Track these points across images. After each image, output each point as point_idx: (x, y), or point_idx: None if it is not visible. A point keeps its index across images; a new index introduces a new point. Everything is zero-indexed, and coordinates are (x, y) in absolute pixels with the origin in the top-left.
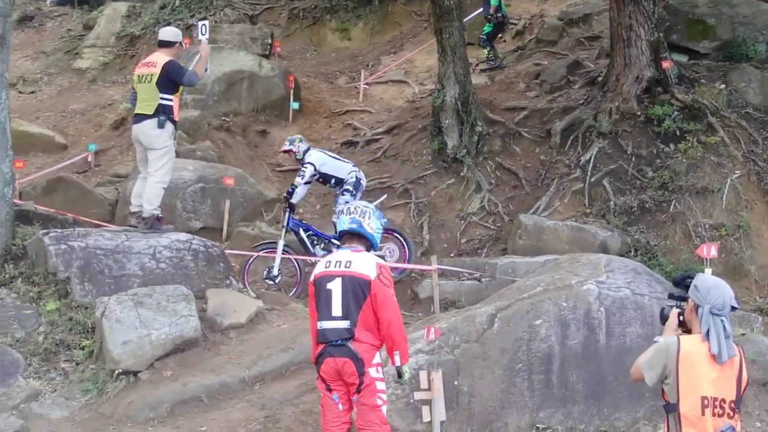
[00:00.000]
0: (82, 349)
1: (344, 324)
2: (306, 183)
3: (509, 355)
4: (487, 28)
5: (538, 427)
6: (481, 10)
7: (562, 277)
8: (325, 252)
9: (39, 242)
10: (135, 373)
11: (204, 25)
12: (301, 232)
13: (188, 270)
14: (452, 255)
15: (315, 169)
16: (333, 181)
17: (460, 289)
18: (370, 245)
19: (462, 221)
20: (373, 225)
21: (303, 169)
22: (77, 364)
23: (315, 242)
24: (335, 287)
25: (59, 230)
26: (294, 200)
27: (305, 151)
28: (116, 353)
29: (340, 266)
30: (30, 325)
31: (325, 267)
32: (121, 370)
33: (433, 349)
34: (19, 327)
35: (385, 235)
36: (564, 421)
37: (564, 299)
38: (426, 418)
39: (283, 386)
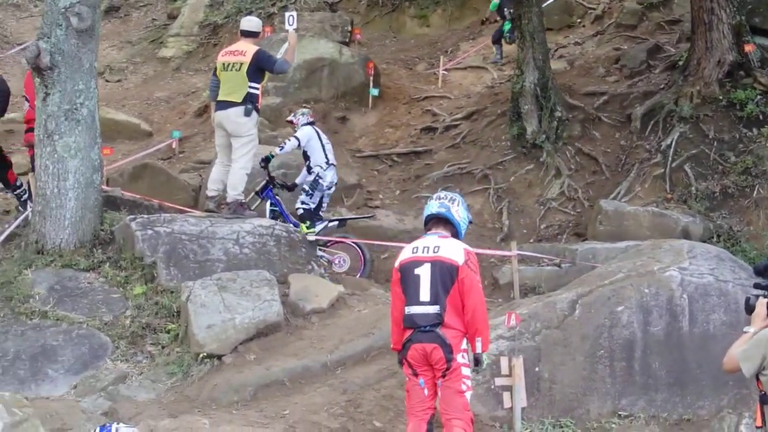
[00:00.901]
0: (168, 332)
1: (433, 309)
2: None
3: (590, 341)
4: (507, 26)
5: (620, 415)
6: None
7: (644, 264)
8: None
9: (126, 228)
10: (219, 357)
11: (291, 15)
12: (268, 204)
13: (271, 255)
14: (532, 241)
15: (299, 146)
16: (307, 163)
17: (540, 274)
18: (455, 232)
19: (541, 207)
20: (461, 213)
21: (287, 140)
22: (163, 347)
23: (275, 218)
24: (424, 272)
25: (145, 216)
26: (298, 180)
27: (303, 125)
28: (201, 337)
29: (428, 252)
30: (117, 308)
31: (413, 252)
32: (205, 354)
33: (514, 335)
34: (107, 311)
35: (341, 243)
36: (646, 408)
37: (646, 285)
38: (507, 404)
39: (364, 371)
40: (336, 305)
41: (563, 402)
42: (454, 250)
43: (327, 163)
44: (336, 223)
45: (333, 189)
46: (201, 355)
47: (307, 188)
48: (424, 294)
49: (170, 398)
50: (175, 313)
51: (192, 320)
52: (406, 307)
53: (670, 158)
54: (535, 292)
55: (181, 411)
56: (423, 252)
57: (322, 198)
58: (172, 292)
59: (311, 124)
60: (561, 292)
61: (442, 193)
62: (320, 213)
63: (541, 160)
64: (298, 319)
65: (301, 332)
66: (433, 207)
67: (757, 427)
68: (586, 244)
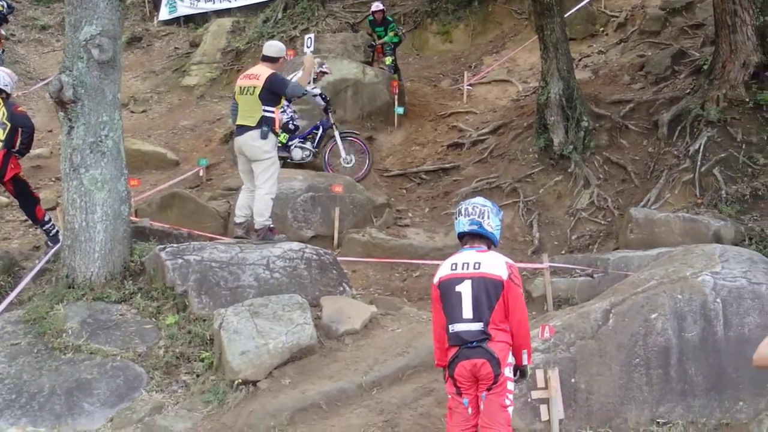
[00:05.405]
0: (202, 360)
1: (477, 326)
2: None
3: (626, 350)
4: (395, 39)
5: (658, 422)
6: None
7: (677, 270)
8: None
9: (156, 258)
10: (254, 383)
11: (309, 37)
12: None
13: (302, 278)
14: (563, 252)
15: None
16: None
17: (573, 285)
18: (491, 243)
19: (572, 218)
20: (492, 224)
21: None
22: (198, 375)
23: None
24: (465, 289)
25: (175, 245)
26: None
27: None
28: (235, 364)
29: (468, 268)
30: (151, 339)
31: (451, 269)
32: (240, 380)
33: (548, 347)
34: (141, 342)
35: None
36: (684, 415)
37: (679, 292)
38: (544, 417)
39: (400, 390)
40: (369, 326)
41: (601, 412)
42: (496, 265)
43: None
44: None
45: None
46: (236, 382)
47: None
48: (467, 311)
49: (207, 427)
50: (208, 341)
51: (225, 347)
52: (449, 325)
53: (698, 163)
54: (569, 304)
55: None
56: (463, 268)
57: None
58: (204, 320)
59: None
60: (594, 302)
61: (470, 206)
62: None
63: (569, 170)
64: (331, 342)
65: (335, 354)
66: (464, 225)
67: None
68: (618, 253)
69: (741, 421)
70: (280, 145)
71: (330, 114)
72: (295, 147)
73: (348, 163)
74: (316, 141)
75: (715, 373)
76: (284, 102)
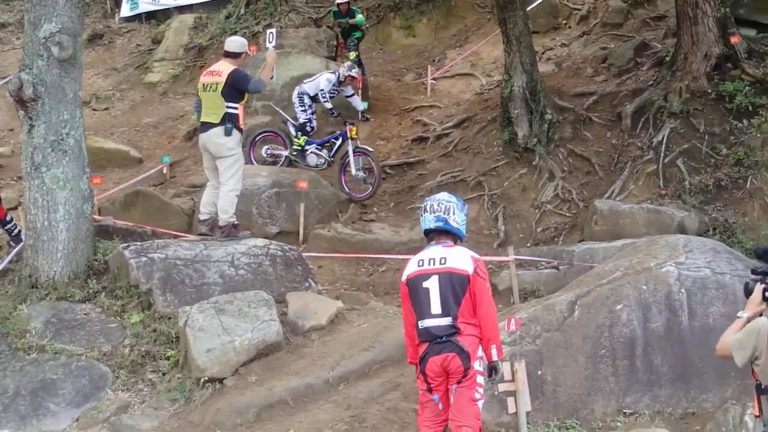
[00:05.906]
0: (168, 359)
1: (446, 321)
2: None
3: (592, 341)
4: (358, 34)
5: (625, 413)
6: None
7: (641, 261)
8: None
9: (120, 256)
10: (220, 380)
11: (271, 32)
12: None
13: (267, 275)
14: (529, 245)
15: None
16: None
17: (539, 278)
18: (457, 238)
19: (537, 210)
20: (458, 219)
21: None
22: (164, 374)
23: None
24: (432, 285)
25: (139, 243)
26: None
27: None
28: (201, 361)
29: (434, 264)
30: (116, 338)
31: (418, 266)
32: (206, 378)
33: (514, 340)
34: (106, 341)
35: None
36: (651, 405)
37: (644, 282)
38: (511, 409)
39: (367, 385)
40: (335, 321)
41: (568, 403)
42: (462, 260)
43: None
44: None
45: None
46: (202, 380)
47: None
48: (435, 306)
49: (174, 425)
50: (173, 339)
51: (191, 345)
52: (419, 321)
53: (662, 154)
54: (535, 296)
55: None
56: (429, 264)
57: None
58: (169, 318)
59: None
60: (560, 295)
61: (435, 203)
62: None
63: (534, 163)
64: (298, 338)
65: (301, 350)
66: (429, 222)
67: (756, 417)
68: (583, 245)
69: (707, 410)
70: (298, 148)
71: (348, 125)
72: (311, 153)
73: (358, 179)
74: (333, 151)
75: (681, 362)
76: (307, 101)
